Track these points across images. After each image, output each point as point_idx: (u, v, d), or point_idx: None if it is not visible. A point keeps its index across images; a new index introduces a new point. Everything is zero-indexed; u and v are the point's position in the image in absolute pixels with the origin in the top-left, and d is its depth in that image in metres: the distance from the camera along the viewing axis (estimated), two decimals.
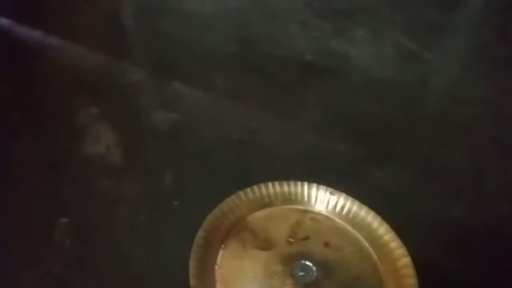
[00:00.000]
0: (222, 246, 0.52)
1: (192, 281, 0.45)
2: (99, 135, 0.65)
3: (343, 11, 1.20)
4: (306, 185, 0.58)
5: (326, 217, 0.57)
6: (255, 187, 0.58)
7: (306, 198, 0.58)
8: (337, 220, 0.56)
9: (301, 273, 0.49)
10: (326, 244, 0.53)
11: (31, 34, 0.86)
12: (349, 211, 0.56)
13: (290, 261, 0.51)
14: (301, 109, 0.77)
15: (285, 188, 0.59)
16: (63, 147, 0.63)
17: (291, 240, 0.53)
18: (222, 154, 0.66)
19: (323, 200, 0.57)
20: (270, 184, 0.58)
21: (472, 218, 0.61)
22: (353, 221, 0.55)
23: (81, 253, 0.50)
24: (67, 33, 0.88)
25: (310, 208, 0.58)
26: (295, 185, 0.59)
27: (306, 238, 0.54)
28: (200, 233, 0.50)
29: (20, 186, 0.57)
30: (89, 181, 0.58)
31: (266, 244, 0.53)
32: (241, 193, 0.57)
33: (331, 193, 0.57)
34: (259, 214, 0.56)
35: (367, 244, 0.53)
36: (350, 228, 0.55)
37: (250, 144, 0.68)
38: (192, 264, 0.47)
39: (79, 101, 0.70)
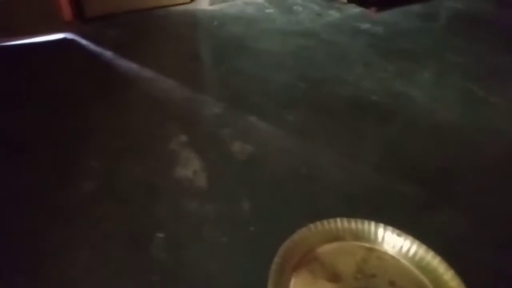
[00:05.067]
0: (294, 274, 0.57)
1: None
2: (187, 161, 0.74)
3: (407, 53, 1.24)
4: (373, 224, 0.63)
5: (392, 257, 0.60)
6: (325, 221, 0.63)
7: (372, 237, 0.62)
8: (403, 261, 0.59)
9: None
10: (392, 284, 0.57)
11: (129, 66, 1.01)
12: (415, 254, 0.59)
13: None
14: (366, 149, 0.82)
15: (353, 225, 0.63)
16: (159, 169, 0.73)
17: (358, 276, 0.57)
18: (292, 187, 0.72)
19: (389, 240, 0.61)
20: (338, 219, 0.63)
21: None
22: (419, 264, 0.58)
23: (174, 267, 0.57)
24: (158, 68, 1.01)
25: (376, 247, 0.61)
26: (362, 223, 0.63)
27: (373, 275, 0.58)
28: (276, 260, 0.56)
29: (124, 202, 0.67)
30: (180, 201, 0.67)
31: (334, 277, 0.57)
32: (311, 225, 0.63)
33: (398, 235, 0.61)
34: (328, 247, 0.61)
35: None
36: (415, 270, 0.58)
37: (317, 179, 0.74)
38: None
39: (170, 129, 0.81)
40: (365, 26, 1.32)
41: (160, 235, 0.61)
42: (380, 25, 1.34)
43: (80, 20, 1.18)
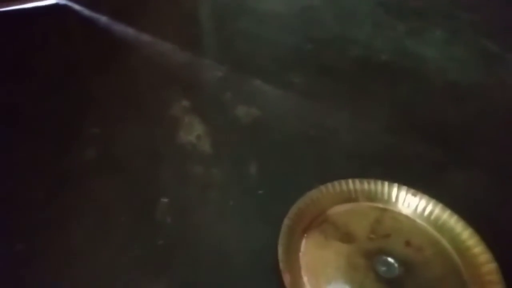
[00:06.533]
0: (305, 235, 0.55)
1: (281, 265, 0.49)
2: (190, 126, 0.71)
3: (418, 11, 1.17)
4: (386, 184, 0.60)
5: (406, 216, 0.58)
6: (336, 183, 0.61)
7: (386, 197, 0.59)
8: (418, 220, 0.57)
9: (383, 268, 0.50)
10: (407, 243, 0.55)
11: (126, 31, 0.96)
12: (430, 213, 0.56)
13: (372, 256, 0.52)
14: (377, 109, 0.78)
15: (365, 185, 0.60)
16: (161, 135, 0.70)
17: (372, 236, 0.55)
18: (301, 149, 0.69)
19: (404, 200, 0.58)
20: (350, 180, 0.60)
21: None
22: (435, 223, 0.56)
23: (180, 230, 0.56)
24: (156, 31, 0.96)
25: (390, 207, 0.59)
26: (375, 184, 0.60)
27: (387, 235, 0.55)
28: (286, 222, 0.54)
29: (127, 168, 0.65)
30: (184, 166, 0.64)
31: (347, 238, 0.55)
32: (322, 187, 0.60)
33: (412, 194, 0.58)
34: (339, 208, 0.59)
35: (449, 247, 0.53)
36: (431, 230, 0.56)
37: (327, 141, 0.71)
38: (280, 249, 0.50)
39: (172, 95, 0.78)
40: None
41: (165, 200, 0.59)
42: None
43: None
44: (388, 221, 0.56)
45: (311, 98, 0.80)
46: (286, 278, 0.48)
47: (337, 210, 0.58)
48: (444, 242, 0.54)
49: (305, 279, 0.50)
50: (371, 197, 0.59)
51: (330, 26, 1.03)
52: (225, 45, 0.93)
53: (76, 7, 1.04)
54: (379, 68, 0.89)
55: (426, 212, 0.56)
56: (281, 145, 0.70)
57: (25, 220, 0.58)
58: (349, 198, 0.59)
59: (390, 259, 0.51)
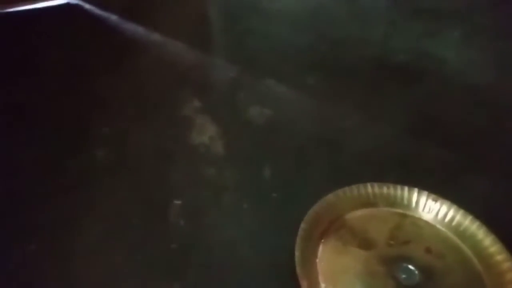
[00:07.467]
0: (322, 241, 0.53)
1: (298, 270, 0.47)
2: (203, 127, 0.70)
3: (432, 12, 1.14)
4: (406, 189, 0.58)
5: (427, 222, 0.56)
6: (354, 187, 0.59)
7: (406, 202, 0.57)
8: (439, 227, 0.55)
9: (404, 276, 0.49)
10: (428, 250, 0.53)
11: (137, 30, 0.95)
12: (452, 219, 0.54)
13: (392, 263, 0.51)
14: (394, 111, 0.76)
15: (385, 190, 0.58)
16: (172, 136, 0.69)
17: (392, 242, 0.53)
18: (315, 152, 0.68)
19: (424, 205, 0.56)
20: (369, 184, 0.59)
21: None
22: (456, 229, 0.54)
23: (193, 233, 0.55)
24: (167, 31, 0.95)
25: (410, 213, 0.57)
26: (395, 188, 0.58)
27: (407, 242, 0.54)
28: (303, 226, 0.52)
29: (139, 170, 0.64)
30: (197, 168, 0.63)
31: (365, 244, 0.53)
32: (339, 191, 0.58)
33: (433, 200, 0.56)
34: (358, 213, 0.57)
35: (471, 254, 0.51)
36: (453, 236, 0.54)
37: (342, 143, 0.69)
38: (297, 254, 0.49)
39: (183, 95, 0.76)
40: None
41: (178, 202, 0.58)
42: None
43: None
44: (408, 227, 0.55)
45: (325, 99, 0.78)
46: (304, 284, 0.46)
47: (355, 215, 0.56)
48: (466, 249, 0.52)
49: (322, 286, 0.48)
50: (391, 202, 0.57)
51: (344, 26, 1.01)
52: (237, 45, 0.92)
53: (87, 6, 1.03)
54: (396, 69, 0.87)
55: (447, 218, 0.54)
56: (295, 147, 0.68)
57: (36, 221, 0.57)
58: (368, 202, 0.57)
59: (410, 266, 0.49)
